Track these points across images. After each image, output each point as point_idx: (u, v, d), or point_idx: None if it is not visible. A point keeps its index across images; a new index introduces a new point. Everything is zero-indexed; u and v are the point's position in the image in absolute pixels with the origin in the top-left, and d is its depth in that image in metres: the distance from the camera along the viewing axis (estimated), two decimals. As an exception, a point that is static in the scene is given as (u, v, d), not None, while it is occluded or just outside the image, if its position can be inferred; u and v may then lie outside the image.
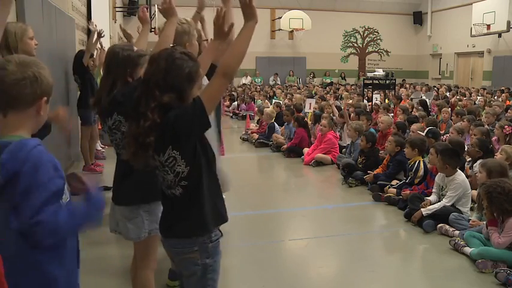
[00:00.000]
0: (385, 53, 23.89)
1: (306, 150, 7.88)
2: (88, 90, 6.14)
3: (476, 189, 4.59)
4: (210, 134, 2.20)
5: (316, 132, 8.36)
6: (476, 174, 4.83)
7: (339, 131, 8.50)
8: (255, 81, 21.21)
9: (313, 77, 22.38)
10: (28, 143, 1.55)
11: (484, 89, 15.67)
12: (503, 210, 3.75)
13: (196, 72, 1.93)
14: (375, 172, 6.03)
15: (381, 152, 6.70)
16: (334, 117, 8.69)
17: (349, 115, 8.57)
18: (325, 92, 16.04)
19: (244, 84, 20.38)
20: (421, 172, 5.40)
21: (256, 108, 12.02)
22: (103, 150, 7.50)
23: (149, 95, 1.86)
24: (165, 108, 1.87)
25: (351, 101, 12.22)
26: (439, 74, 22.56)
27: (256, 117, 11.23)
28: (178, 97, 1.88)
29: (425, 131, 6.16)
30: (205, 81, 2.28)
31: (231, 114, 14.18)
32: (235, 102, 14.74)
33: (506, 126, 6.27)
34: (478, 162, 5.07)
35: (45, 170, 1.53)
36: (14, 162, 1.50)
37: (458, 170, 4.78)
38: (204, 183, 1.95)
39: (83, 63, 6.11)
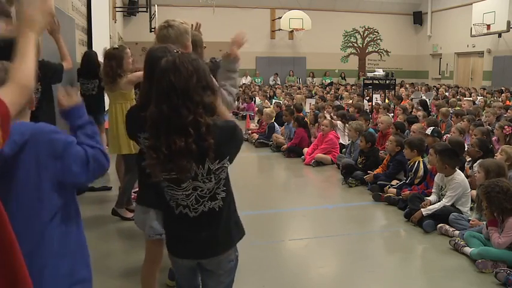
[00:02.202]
0: (385, 53, 23.89)
1: (306, 150, 7.89)
2: (103, 94, 6.26)
3: (476, 189, 4.59)
4: None
5: (315, 132, 8.37)
6: (475, 174, 4.83)
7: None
8: (254, 81, 21.22)
9: (313, 77, 22.39)
10: (25, 121, 1.71)
11: (484, 89, 15.68)
12: (503, 209, 3.75)
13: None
14: (375, 172, 6.04)
15: (380, 152, 6.71)
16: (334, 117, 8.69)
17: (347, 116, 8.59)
18: (326, 92, 16.05)
19: (244, 84, 20.39)
20: (421, 172, 5.40)
21: (256, 108, 12.02)
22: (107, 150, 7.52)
23: (189, 101, 1.80)
24: (210, 108, 1.85)
25: (351, 101, 12.24)
26: (439, 74, 22.56)
27: (256, 117, 11.24)
28: (213, 94, 1.89)
29: (431, 131, 6.16)
30: None
31: (231, 114, 14.18)
32: (235, 102, 14.72)
33: (506, 127, 6.27)
34: (478, 162, 5.07)
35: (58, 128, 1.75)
36: (20, 135, 1.62)
37: (457, 170, 4.78)
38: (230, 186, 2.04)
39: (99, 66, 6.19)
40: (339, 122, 8.31)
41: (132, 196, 5.01)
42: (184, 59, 1.86)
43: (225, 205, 1.98)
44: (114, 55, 4.59)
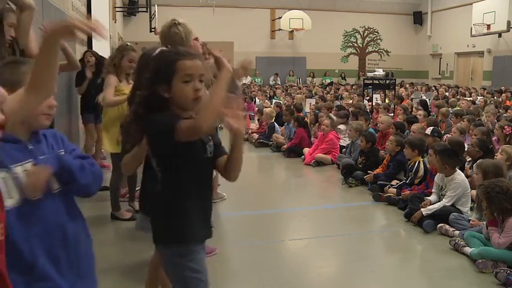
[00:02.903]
0: (385, 53, 23.89)
1: (306, 150, 7.88)
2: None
3: (476, 189, 4.59)
4: None
5: (316, 132, 8.36)
6: (474, 175, 4.83)
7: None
8: (255, 81, 21.23)
9: (313, 77, 22.38)
10: None
11: (484, 89, 15.67)
12: (503, 210, 3.75)
13: (176, 63, 1.91)
14: (375, 172, 6.03)
15: (381, 152, 6.70)
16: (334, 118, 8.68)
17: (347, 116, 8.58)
18: (326, 92, 16.04)
19: (244, 84, 20.39)
20: (421, 172, 5.40)
21: (256, 109, 12.01)
22: (103, 149, 7.51)
23: (143, 87, 1.99)
24: (157, 99, 1.91)
25: (351, 101, 12.23)
26: (439, 74, 22.56)
27: (256, 117, 11.23)
28: (167, 88, 1.90)
29: (431, 131, 6.16)
30: None
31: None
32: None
33: (506, 127, 6.27)
34: (476, 163, 5.07)
35: None
36: None
37: (458, 170, 4.78)
38: (181, 192, 1.96)
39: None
40: (341, 126, 8.27)
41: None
42: (157, 53, 2.09)
43: (162, 194, 1.98)
44: (119, 47, 4.65)
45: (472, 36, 18.71)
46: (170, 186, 1.96)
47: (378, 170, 6.06)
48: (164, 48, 2.27)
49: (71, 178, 1.73)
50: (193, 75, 1.90)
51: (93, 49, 8.51)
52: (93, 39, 8.80)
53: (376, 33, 23.77)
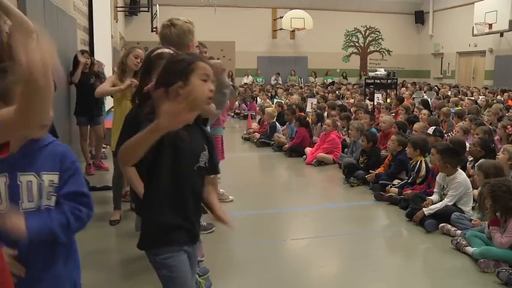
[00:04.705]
0: (386, 53, 23.85)
1: (307, 149, 7.88)
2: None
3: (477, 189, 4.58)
4: None
5: (318, 132, 8.36)
6: (475, 176, 4.82)
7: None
8: (256, 81, 21.22)
9: (316, 77, 22.36)
10: None
11: (486, 88, 15.63)
12: (508, 209, 3.74)
13: (194, 63, 1.95)
14: (377, 172, 6.03)
15: (382, 151, 6.69)
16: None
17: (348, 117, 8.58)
18: (327, 91, 16.03)
19: (245, 83, 20.38)
20: (422, 172, 5.39)
21: (258, 108, 12.01)
22: (104, 149, 7.51)
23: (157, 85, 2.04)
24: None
25: (352, 101, 12.21)
26: (441, 74, 22.52)
27: (258, 117, 11.23)
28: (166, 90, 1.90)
29: (432, 130, 6.15)
30: None
31: (233, 114, 14.17)
32: (237, 102, 14.71)
33: (508, 126, 6.26)
34: (477, 163, 5.06)
35: None
36: None
37: (459, 169, 4.77)
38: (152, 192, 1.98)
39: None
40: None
41: None
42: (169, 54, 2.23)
43: (145, 201, 2.02)
44: (127, 50, 4.75)
45: (473, 35, 18.67)
46: (150, 188, 1.99)
47: (380, 170, 6.06)
48: (167, 49, 2.27)
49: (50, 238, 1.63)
50: (209, 77, 1.95)
51: (95, 49, 8.54)
52: (94, 39, 8.83)
53: (378, 33, 23.73)
